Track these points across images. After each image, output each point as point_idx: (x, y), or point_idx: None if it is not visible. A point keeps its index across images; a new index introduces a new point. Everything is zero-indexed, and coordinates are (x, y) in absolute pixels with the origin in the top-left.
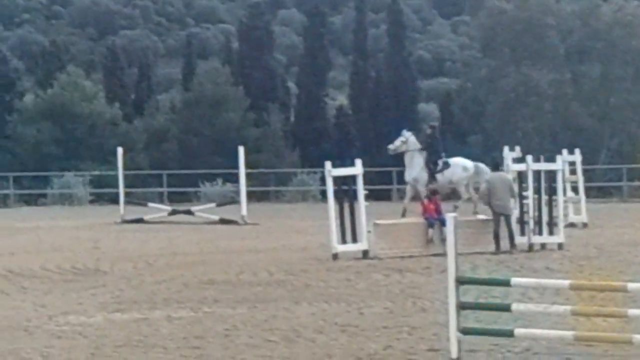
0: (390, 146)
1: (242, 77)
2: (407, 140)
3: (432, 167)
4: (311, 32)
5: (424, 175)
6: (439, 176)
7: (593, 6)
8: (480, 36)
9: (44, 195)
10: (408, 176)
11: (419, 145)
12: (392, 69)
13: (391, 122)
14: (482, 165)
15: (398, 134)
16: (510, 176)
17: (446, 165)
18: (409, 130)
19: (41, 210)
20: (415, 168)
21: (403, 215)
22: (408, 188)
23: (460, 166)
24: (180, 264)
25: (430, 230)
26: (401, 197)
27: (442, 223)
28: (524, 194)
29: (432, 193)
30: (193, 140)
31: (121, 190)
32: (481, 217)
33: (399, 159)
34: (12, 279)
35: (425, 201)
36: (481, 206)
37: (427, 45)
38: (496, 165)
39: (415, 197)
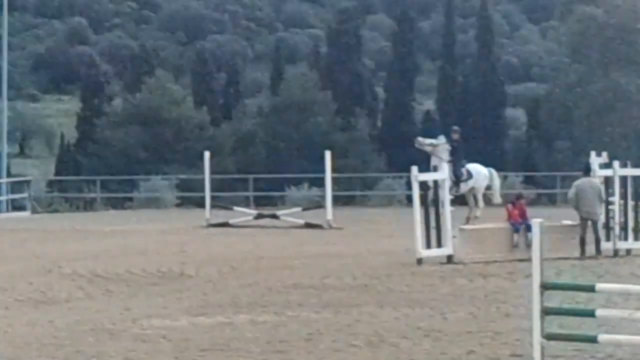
0: (419, 138)
1: (330, 82)
2: (437, 145)
3: (458, 175)
4: (399, 37)
5: (448, 183)
6: (462, 185)
7: None
8: (568, 41)
9: (131, 199)
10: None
11: (447, 156)
12: (480, 74)
13: (478, 127)
14: (494, 172)
15: (488, 139)
16: (599, 182)
17: (469, 175)
18: (495, 138)
19: (128, 214)
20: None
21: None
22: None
23: (482, 174)
24: (265, 267)
25: (516, 236)
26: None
27: (528, 228)
28: (610, 199)
29: (517, 198)
30: (280, 144)
31: (207, 194)
32: (567, 222)
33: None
34: (98, 282)
35: (510, 206)
36: (477, 213)
37: (515, 51)
38: (587, 170)
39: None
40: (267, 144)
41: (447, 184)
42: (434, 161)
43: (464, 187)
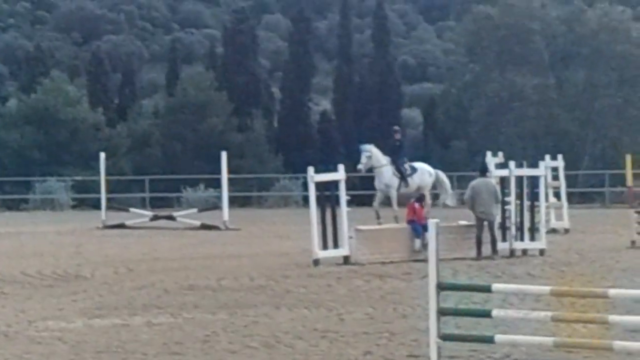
0: (360, 166)
1: (226, 82)
2: (371, 154)
3: (402, 171)
4: (296, 37)
5: (395, 181)
6: (409, 180)
7: (578, 11)
8: (465, 41)
9: (26, 201)
10: (379, 183)
11: (384, 158)
12: (376, 74)
13: (375, 128)
14: (441, 173)
15: (383, 139)
16: (494, 182)
17: (413, 169)
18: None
19: (23, 216)
20: (386, 175)
21: (378, 217)
22: (379, 194)
23: (426, 171)
24: (161, 269)
25: (418, 241)
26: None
27: (425, 228)
28: (506, 199)
29: (420, 198)
30: (176, 145)
31: (103, 195)
32: (464, 222)
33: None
34: None
35: (416, 205)
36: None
37: (411, 50)
38: (483, 170)
39: (385, 203)
40: (163, 145)
41: (343, 186)
42: (376, 172)
43: (411, 183)
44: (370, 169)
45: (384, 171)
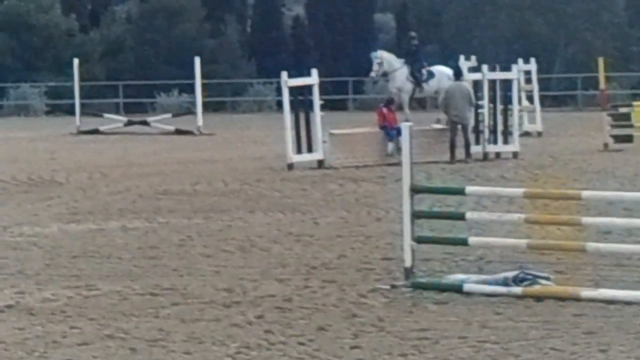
0: (372, 74)
1: None
2: (382, 60)
3: (417, 76)
4: None
5: (408, 85)
6: (424, 85)
7: None
8: None
9: (0, 107)
10: (391, 86)
11: (397, 61)
12: None
13: (348, 33)
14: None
15: (356, 44)
16: (469, 86)
17: (430, 74)
18: (365, 43)
19: None
20: (399, 78)
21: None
22: (396, 99)
23: (445, 74)
24: (136, 174)
25: (390, 145)
26: (356, 107)
27: (398, 132)
28: (479, 103)
29: (388, 102)
30: (149, 51)
31: (77, 101)
32: (437, 126)
33: (358, 69)
34: None
35: (385, 110)
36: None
37: None
38: (457, 74)
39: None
40: (136, 51)
41: (316, 90)
42: (390, 77)
43: (426, 88)
44: (384, 75)
45: (397, 75)
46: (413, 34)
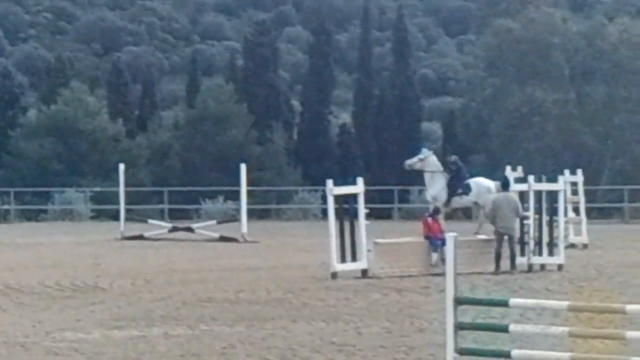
0: (407, 161)
1: (246, 95)
2: (425, 159)
3: (454, 188)
4: (316, 50)
5: (443, 195)
6: (457, 198)
7: (599, 26)
8: (485, 55)
9: (45, 211)
10: (428, 195)
11: (439, 166)
12: (396, 87)
13: (394, 141)
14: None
15: (406, 151)
16: (516, 197)
17: (467, 188)
18: (411, 152)
19: (42, 226)
20: (435, 187)
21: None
22: (431, 207)
23: (484, 187)
24: (179, 281)
25: (435, 255)
26: (401, 217)
27: (443, 243)
28: (525, 214)
29: (435, 212)
30: (195, 157)
31: (122, 206)
32: (482, 237)
33: (404, 179)
34: (11, 294)
35: (430, 220)
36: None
37: (431, 64)
38: (504, 185)
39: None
40: (183, 157)
41: (362, 199)
42: (427, 176)
43: (460, 201)
44: (414, 174)
45: (435, 180)
46: (453, 158)
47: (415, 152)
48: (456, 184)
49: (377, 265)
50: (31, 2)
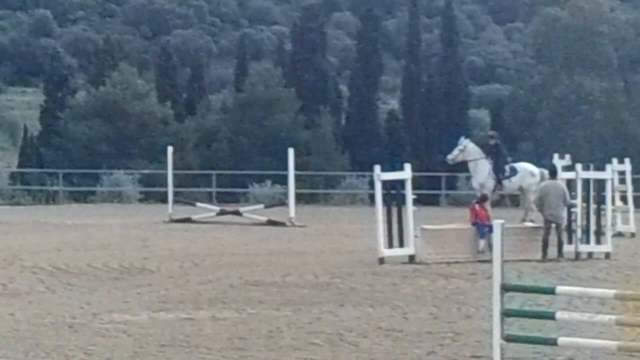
0: (449, 156)
1: (294, 79)
2: (464, 148)
3: (499, 173)
4: (364, 36)
5: (491, 182)
6: (506, 182)
7: None
8: (533, 43)
9: (93, 193)
10: (475, 182)
11: (480, 153)
12: (444, 74)
13: (442, 128)
14: (546, 172)
15: (449, 140)
16: (564, 185)
17: (513, 171)
18: (466, 136)
19: (90, 208)
20: (481, 174)
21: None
22: (478, 194)
23: (528, 171)
24: (227, 264)
25: (482, 242)
26: (449, 203)
27: (490, 230)
28: (573, 202)
29: (483, 199)
30: (243, 141)
31: (170, 189)
32: (529, 224)
33: (452, 165)
34: (59, 275)
35: (477, 207)
36: (534, 214)
37: (480, 51)
38: (552, 173)
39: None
40: (231, 140)
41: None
42: (471, 165)
43: (508, 185)
44: (462, 163)
45: (479, 168)
46: (492, 133)
47: (455, 143)
48: (501, 167)
49: (425, 251)
50: None
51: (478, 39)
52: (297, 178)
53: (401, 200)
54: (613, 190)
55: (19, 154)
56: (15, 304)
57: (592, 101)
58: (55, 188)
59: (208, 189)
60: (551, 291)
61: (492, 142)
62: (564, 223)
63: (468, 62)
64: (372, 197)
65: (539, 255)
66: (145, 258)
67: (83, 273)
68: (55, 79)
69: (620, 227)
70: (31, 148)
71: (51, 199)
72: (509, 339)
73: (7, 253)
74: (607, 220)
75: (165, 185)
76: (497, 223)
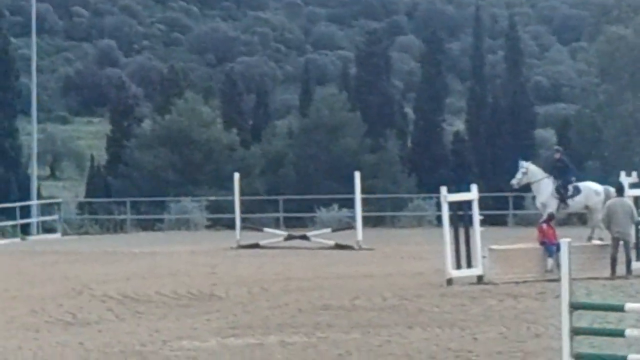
0: (513, 181)
1: (359, 103)
2: (527, 171)
3: (562, 192)
4: (428, 58)
5: (554, 201)
6: (570, 201)
7: None
8: (598, 62)
9: (161, 221)
10: (538, 202)
11: (542, 173)
12: (510, 94)
13: (508, 148)
14: (611, 189)
15: (516, 160)
16: (631, 202)
17: (577, 190)
18: (525, 158)
19: (158, 236)
20: (544, 193)
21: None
22: (542, 214)
23: (592, 190)
24: (295, 289)
25: (550, 261)
26: (516, 223)
27: (558, 248)
28: None
29: (550, 218)
30: (310, 165)
31: (237, 215)
32: (597, 242)
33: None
34: (128, 304)
35: (544, 226)
36: (600, 232)
37: (544, 71)
38: (619, 190)
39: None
40: (297, 165)
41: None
42: (534, 187)
43: (572, 204)
44: (526, 186)
45: (542, 188)
46: (557, 147)
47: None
48: (565, 185)
49: (493, 272)
50: (145, 14)
51: (542, 59)
52: (364, 201)
53: (468, 221)
54: None
55: (86, 183)
56: (85, 333)
57: None
58: (122, 217)
59: (275, 214)
60: (620, 308)
61: (556, 155)
62: (632, 240)
63: (533, 82)
64: (439, 219)
65: (607, 273)
66: (214, 284)
67: (152, 301)
68: (121, 109)
69: None
70: (98, 177)
71: (119, 227)
72: (578, 357)
73: (76, 282)
74: None
75: (233, 211)
76: (564, 241)
